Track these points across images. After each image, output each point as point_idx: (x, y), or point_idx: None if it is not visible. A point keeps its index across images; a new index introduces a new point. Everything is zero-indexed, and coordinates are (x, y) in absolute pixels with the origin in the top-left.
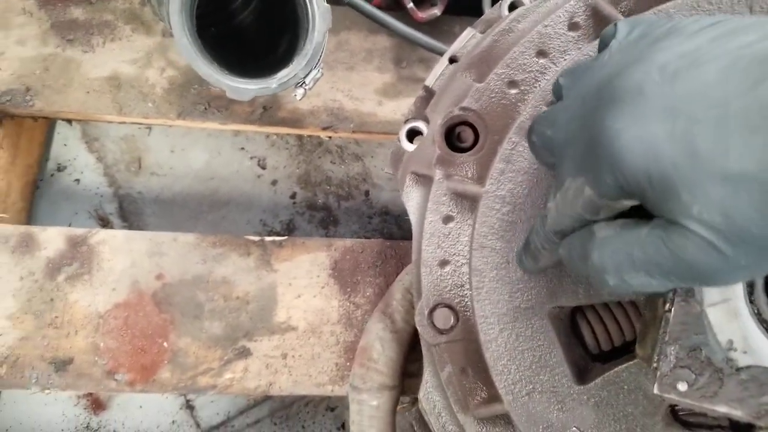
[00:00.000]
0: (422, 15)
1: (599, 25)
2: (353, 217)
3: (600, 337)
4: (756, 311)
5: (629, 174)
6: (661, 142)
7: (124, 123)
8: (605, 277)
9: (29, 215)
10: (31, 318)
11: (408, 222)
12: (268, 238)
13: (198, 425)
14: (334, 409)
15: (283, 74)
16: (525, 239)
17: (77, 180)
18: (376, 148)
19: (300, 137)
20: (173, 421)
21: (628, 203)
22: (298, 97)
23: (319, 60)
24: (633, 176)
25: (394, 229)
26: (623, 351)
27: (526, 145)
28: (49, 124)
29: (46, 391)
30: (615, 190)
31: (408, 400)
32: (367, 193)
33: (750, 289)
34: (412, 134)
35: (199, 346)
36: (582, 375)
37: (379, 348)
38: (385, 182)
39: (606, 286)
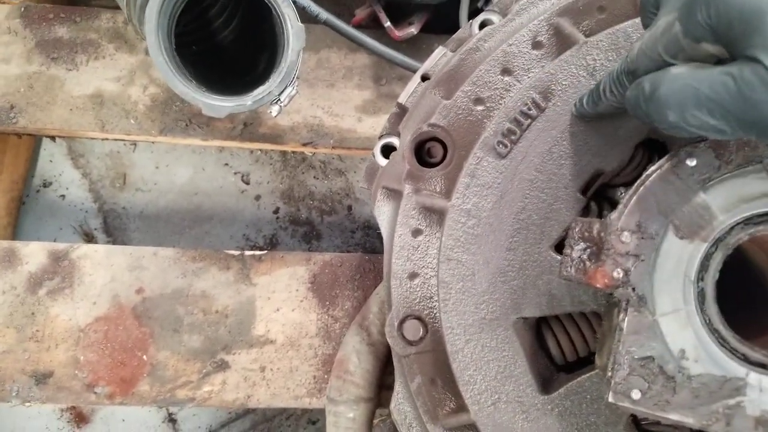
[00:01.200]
0: (399, 34)
1: (562, 44)
2: (336, 231)
3: (565, 348)
4: (707, 321)
5: (724, 8)
6: None
7: (107, 139)
8: (666, 112)
9: (14, 230)
10: (13, 332)
11: None
12: (247, 253)
13: None
14: (316, 422)
15: (258, 92)
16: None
17: (63, 196)
18: (358, 163)
19: (284, 153)
20: None
21: (708, 48)
22: (274, 114)
23: (293, 78)
24: (726, 10)
25: (376, 243)
26: (587, 362)
27: (491, 159)
28: (34, 140)
29: (27, 404)
30: (702, 28)
31: (386, 412)
32: (349, 207)
33: (701, 299)
34: (387, 150)
35: (178, 359)
36: (547, 385)
37: (356, 360)
38: (368, 197)
39: (665, 122)
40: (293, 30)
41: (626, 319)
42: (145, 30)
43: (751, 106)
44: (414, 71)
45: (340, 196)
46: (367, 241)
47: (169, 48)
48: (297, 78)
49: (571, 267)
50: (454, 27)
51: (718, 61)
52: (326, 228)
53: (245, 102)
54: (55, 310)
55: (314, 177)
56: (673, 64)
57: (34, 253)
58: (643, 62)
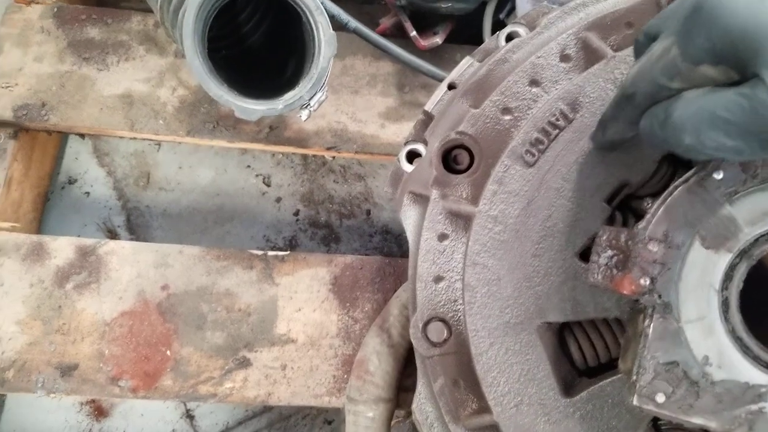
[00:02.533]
0: (424, 43)
1: (589, 58)
2: (354, 235)
3: (587, 354)
4: (730, 329)
5: (724, 30)
6: None
7: (135, 139)
8: (682, 136)
9: (40, 226)
10: (40, 324)
11: (406, 241)
12: (270, 253)
13: None
14: (331, 422)
15: (289, 96)
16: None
17: (87, 193)
18: (378, 169)
19: (305, 156)
20: (173, 430)
21: (707, 71)
22: (303, 118)
23: (323, 84)
24: (727, 32)
25: (394, 248)
26: (608, 368)
27: (518, 168)
28: (61, 138)
29: (52, 396)
30: (702, 51)
31: (402, 414)
32: (368, 212)
33: (725, 308)
34: (412, 156)
35: (201, 355)
36: (568, 389)
37: (376, 361)
38: (386, 202)
39: (681, 146)
40: (325, 38)
41: (652, 325)
42: (183, 33)
43: (766, 123)
44: (440, 80)
45: (359, 201)
46: (385, 246)
47: (203, 51)
48: (326, 84)
49: (598, 273)
50: (475, 38)
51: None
52: (345, 231)
53: (276, 106)
54: (81, 304)
55: (334, 181)
56: (670, 87)
57: (62, 247)
58: (640, 86)
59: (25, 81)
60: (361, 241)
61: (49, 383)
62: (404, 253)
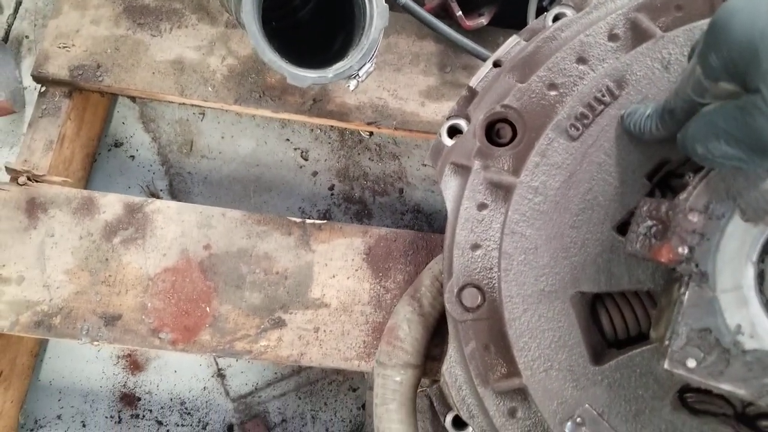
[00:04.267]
0: (470, 23)
1: (638, 38)
2: (387, 212)
3: (617, 325)
4: (765, 300)
5: (728, 48)
6: (761, 13)
7: (183, 104)
8: (696, 145)
9: (87, 185)
10: (87, 275)
11: (437, 220)
12: (308, 221)
13: (227, 393)
14: (356, 389)
15: (339, 66)
16: (637, 118)
17: (132, 156)
18: (412, 149)
19: (342, 133)
20: (204, 387)
21: (725, 86)
22: (351, 88)
23: (372, 55)
24: (728, 50)
25: (424, 226)
26: (638, 340)
27: (562, 141)
28: (110, 102)
29: (95, 343)
30: (716, 69)
31: (426, 383)
32: (401, 190)
33: (761, 279)
34: (453, 131)
35: (239, 313)
36: (597, 358)
37: (406, 329)
38: (419, 181)
39: (696, 155)
40: (378, 9)
41: (687, 292)
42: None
43: (754, 132)
44: (484, 60)
45: (392, 179)
46: (416, 224)
47: (260, 19)
48: (375, 55)
49: (636, 242)
50: (518, 22)
51: None
52: (377, 208)
53: (327, 74)
54: (127, 258)
55: (369, 159)
56: (703, 103)
57: (111, 203)
58: (677, 103)
59: (81, 42)
60: (393, 218)
61: (93, 331)
62: (435, 231)
